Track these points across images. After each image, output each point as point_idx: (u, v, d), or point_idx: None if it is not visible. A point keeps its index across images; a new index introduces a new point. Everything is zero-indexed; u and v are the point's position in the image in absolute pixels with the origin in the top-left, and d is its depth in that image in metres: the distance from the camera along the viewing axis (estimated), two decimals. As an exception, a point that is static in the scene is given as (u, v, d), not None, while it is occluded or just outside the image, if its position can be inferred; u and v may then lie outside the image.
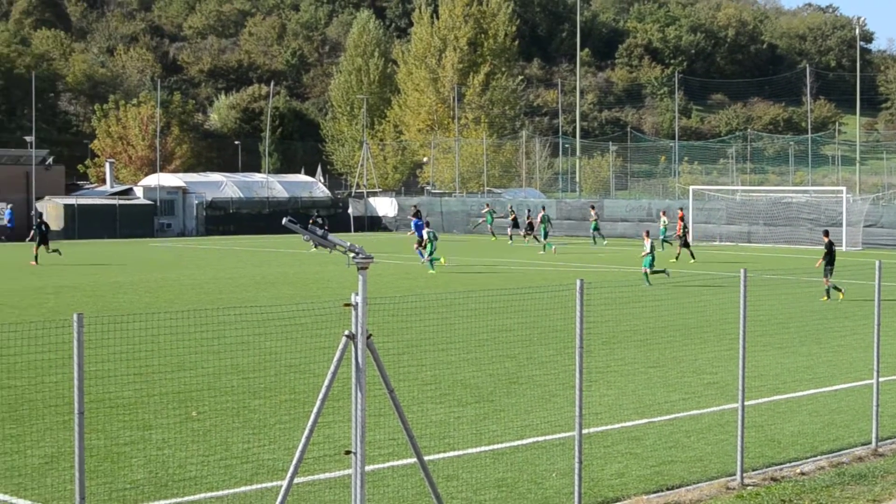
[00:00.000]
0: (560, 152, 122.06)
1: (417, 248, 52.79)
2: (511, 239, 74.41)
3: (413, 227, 53.73)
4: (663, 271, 42.60)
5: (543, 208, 71.65)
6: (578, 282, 13.17)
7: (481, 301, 31.14)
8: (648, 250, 41.72)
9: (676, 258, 55.13)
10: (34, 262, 54.43)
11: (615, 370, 22.28)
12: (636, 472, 14.75)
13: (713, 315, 30.56)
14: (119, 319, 26.77)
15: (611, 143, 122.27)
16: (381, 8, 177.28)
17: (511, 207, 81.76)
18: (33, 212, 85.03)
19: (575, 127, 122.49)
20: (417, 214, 56.63)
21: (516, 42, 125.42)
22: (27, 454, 15.23)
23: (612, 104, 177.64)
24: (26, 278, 46.23)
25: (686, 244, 56.92)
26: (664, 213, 67.10)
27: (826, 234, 39.54)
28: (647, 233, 43.82)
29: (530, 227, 70.23)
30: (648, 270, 41.29)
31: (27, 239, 64.65)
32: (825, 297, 36.37)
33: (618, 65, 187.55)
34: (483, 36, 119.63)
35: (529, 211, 77.12)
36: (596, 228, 71.83)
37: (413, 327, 24.70)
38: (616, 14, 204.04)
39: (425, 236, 50.80)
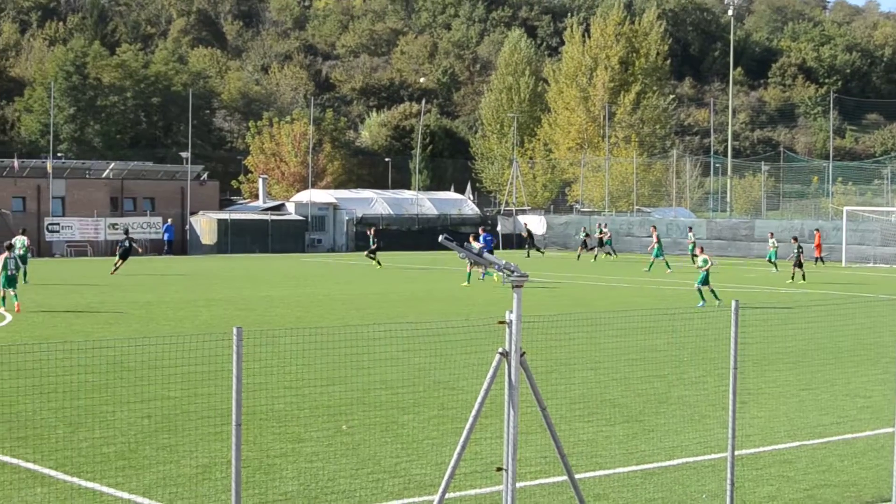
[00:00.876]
0: (711, 172, 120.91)
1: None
2: (594, 258, 76.98)
3: (483, 242, 53.96)
4: (714, 294, 41.32)
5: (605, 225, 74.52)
6: (734, 302, 13.04)
7: (629, 321, 30.96)
8: (703, 265, 41.01)
9: (803, 278, 54.84)
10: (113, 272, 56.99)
11: (766, 392, 21.97)
12: (788, 496, 14.52)
13: (867, 338, 29.98)
14: (271, 333, 27.16)
15: (763, 162, 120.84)
16: (533, 27, 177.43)
17: (584, 228, 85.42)
18: (187, 226, 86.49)
19: (726, 146, 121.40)
20: (487, 230, 57.18)
21: (668, 61, 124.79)
22: (181, 464, 15.48)
23: (764, 123, 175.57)
24: (179, 291, 47.07)
25: (799, 265, 56.52)
26: (772, 236, 66.38)
27: None
28: (702, 249, 43.35)
29: (600, 242, 75.03)
30: (702, 288, 40.65)
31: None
32: None
33: (770, 84, 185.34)
34: (635, 55, 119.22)
35: (602, 226, 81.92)
36: (658, 254, 66.85)
37: (562, 346, 24.64)
38: (769, 33, 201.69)
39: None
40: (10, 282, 38.58)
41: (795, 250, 57.28)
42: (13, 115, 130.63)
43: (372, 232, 69.30)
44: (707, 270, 40.85)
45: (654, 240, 65.44)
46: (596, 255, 76.99)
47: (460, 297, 44.73)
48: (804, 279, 54.73)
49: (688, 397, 21.21)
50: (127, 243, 60.49)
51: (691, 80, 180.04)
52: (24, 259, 52.77)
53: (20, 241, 53.90)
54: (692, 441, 17.32)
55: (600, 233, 79.17)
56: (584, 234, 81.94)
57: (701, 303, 40.55)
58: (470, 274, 51.60)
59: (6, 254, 39.45)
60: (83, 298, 42.95)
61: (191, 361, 20.82)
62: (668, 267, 62.66)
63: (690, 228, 79.45)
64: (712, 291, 40.68)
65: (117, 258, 59.61)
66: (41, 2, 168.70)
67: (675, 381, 23.03)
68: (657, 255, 64.30)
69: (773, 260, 62.60)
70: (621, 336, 27.49)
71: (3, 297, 38.61)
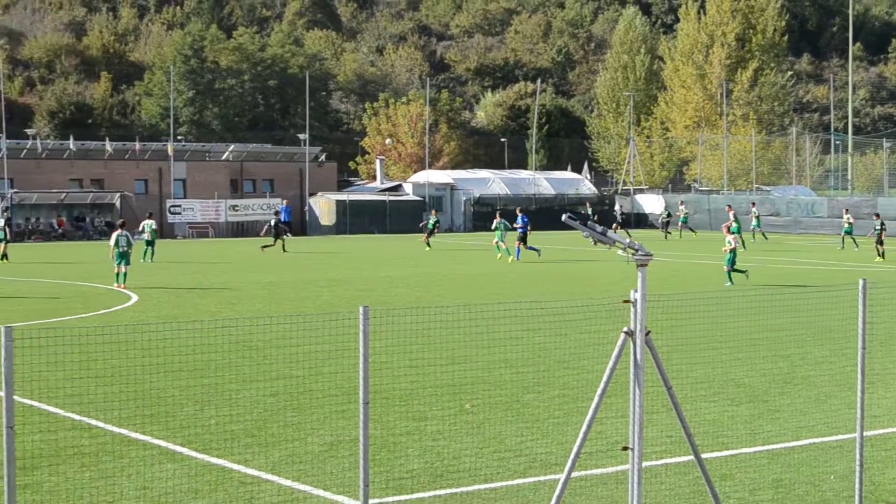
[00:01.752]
0: (831, 149, 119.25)
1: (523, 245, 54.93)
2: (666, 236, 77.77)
3: (520, 223, 54.96)
4: (744, 272, 40.81)
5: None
6: (861, 281, 12.87)
7: (753, 300, 30.66)
8: (732, 246, 40.41)
9: (882, 256, 54.95)
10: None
11: (894, 372, 21.64)
12: (918, 477, 14.32)
13: None
14: (392, 313, 27.32)
15: (885, 139, 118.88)
16: (647, 4, 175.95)
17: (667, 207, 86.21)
18: (306, 207, 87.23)
19: (846, 123, 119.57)
20: (524, 211, 57.50)
21: (785, 37, 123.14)
22: (307, 441, 15.63)
23: (885, 100, 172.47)
24: (300, 271, 47.53)
25: (880, 241, 56.20)
26: (847, 211, 66.06)
27: None
28: (728, 228, 42.75)
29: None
30: (729, 269, 40.07)
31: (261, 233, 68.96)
32: None
33: (891, 59, 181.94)
34: (751, 31, 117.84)
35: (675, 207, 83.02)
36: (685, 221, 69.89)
37: (684, 325, 24.46)
38: (889, 7, 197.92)
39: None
40: (123, 258, 40.17)
41: (878, 227, 56.68)
42: (134, 99, 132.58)
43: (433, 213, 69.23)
44: (733, 251, 40.41)
45: (731, 219, 65.00)
46: (672, 233, 78.42)
47: (581, 276, 44.62)
48: (883, 257, 54.41)
49: (813, 377, 20.97)
50: (273, 222, 63.29)
51: (809, 56, 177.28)
52: (151, 242, 54.08)
53: (148, 224, 55.21)
54: (818, 422, 17.13)
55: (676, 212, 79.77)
56: (666, 213, 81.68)
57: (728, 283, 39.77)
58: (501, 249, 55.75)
59: (118, 231, 40.79)
60: (206, 279, 43.56)
61: (314, 340, 21.01)
62: (744, 247, 62.24)
63: (753, 204, 78.58)
64: (730, 272, 40.20)
65: (271, 238, 62.21)
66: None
67: (798, 361, 22.77)
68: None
69: (851, 234, 62.63)
70: (743, 315, 27.24)
71: (118, 274, 39.73)
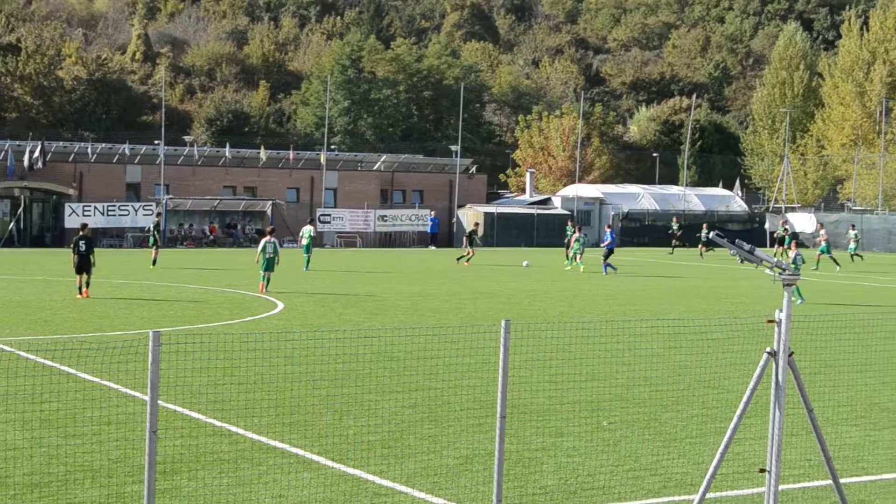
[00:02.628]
0: None
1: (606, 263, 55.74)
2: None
3: (608, 238, 55.52)
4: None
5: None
6: None
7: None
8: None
9: None
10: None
11: None
12: None
13: None
14: (534, 327, 27.31)
15: None
16: (809, 20, 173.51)
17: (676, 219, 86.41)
18: (454, 219, 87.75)
19: None
20: (611, 227, 58.62)
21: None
22: (443, 454, 15.67)
23: None
24: (445, 283, 47.73)
25: None
26: (853, 228, 64.22)
27: None
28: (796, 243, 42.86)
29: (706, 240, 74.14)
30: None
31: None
32: None
33: None
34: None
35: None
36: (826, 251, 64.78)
37: (829, 347, 24.11)
38: None
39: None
40: (269, 265, 41.36)
41: None
42: (290, 108, 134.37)
43: (476, 226, 69.27)
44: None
45: (824, 236, 64.06)
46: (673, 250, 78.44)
47: (725, 294, 44.15)
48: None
49: (961, 404, 20.52)
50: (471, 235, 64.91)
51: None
52: (308, 248, 54.89)
53: (308, 230, 55.99)
54: (965, 449, 16.77)
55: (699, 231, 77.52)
56: (676, 226, 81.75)
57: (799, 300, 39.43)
58: (570, 260, 59.31)
59: (266, 237, 41.77)
60: (352, 288, 43.93)
61: (455, 353, 21.11)
62: (838, 264, 61.44)
63: (853, 226, 76.50)
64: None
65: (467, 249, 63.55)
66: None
67: (948, 387, 22.30)
68: (824, 252, 62.36)
69: (855, 252, 60.66)
70: (891, 338, 26.74)
71: (266, 279, 40.60)
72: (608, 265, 55.01)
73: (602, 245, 56.43)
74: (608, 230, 57.52)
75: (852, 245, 71.07)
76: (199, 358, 20.50)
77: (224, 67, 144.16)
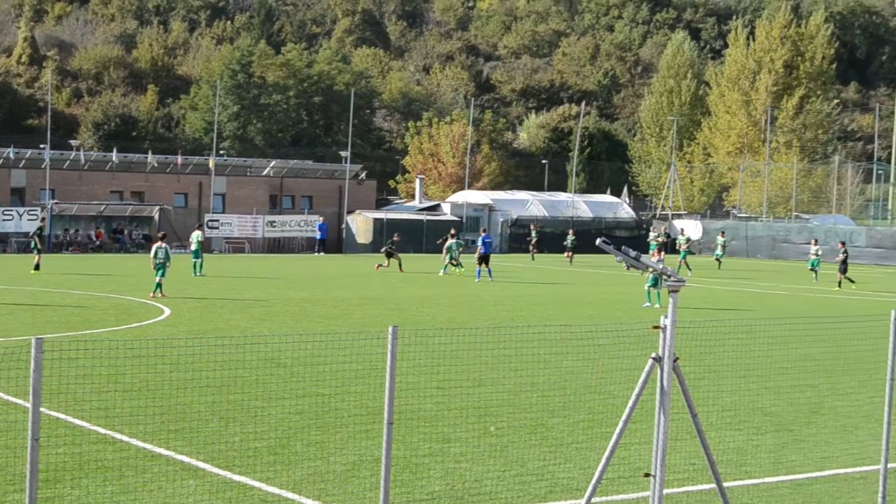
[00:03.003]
0: (873, 179, 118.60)
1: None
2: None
3: (481, 243, 56.08)
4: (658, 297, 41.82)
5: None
6: (893, 312, 12.83)
7: (783, 328, 30.53)
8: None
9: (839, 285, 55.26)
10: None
11: (923, 405, 21.50)
12: (941, 513, 14.22)
13: None
14: (422, 333, 27.31)
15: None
16: (697, 29, 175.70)
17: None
18: (343, 225, 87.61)
19: (890, 153, 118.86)
20: (485, 231, 58.99)
21: (833, 65, 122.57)
22: (330, 461, 15.64)
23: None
24: (333, 289, 47.63)
25: (844, 270, 56.53)
26: (722, 234, 65.42)
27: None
28: (660, 250, 44.26)
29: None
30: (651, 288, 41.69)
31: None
32: None
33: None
34: (800, 58, 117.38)
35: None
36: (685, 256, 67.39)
37: (713, 352, 24.42)
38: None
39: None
40: (161, 269, 42.11)
41: (842, 254, 56.62)
42: (179, 113, 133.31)
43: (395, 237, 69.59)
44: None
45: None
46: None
47: (612, 301, 44.53)
48: (853, 282, 55.33)
49: (840, 408, 20.86)
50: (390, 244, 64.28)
51: (857, 84, 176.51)
52: (197, 253, 54.53)
53: (196, 235, 55.60)
54: (843, 452, 17.06)
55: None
56: (534, 233, 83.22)
57: (646, 303, 41.55)
58: (444, 267, 60.23)
59: (158, 243, 42.31)
60: (238, 295, 43.66)
61: (343, 359, 21.06)
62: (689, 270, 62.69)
63: (723, 233, 77.70)
64: (658, 294, 41.65)
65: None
66: (210, 1, 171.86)
67: (826, 392, 22.66)
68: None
69: (814, 268, 60.62)
70: (774, 344, 27.14)
71: (159, 284, 41.55)
72: (480, 271, 54.98)
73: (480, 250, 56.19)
74: (482, 234, 57.40)
75: (718, 251, 72.22)
76: (83, 365, 20.22)
77: (112, 71, 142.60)
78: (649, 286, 41.65)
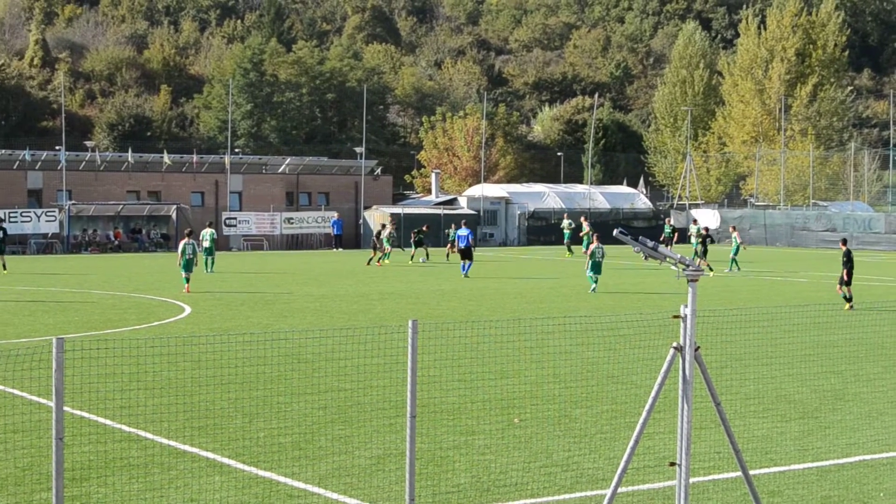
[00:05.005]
0: (890, 164, 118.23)
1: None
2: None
3: (456, 236, 55.31)
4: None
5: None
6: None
7: (806, 315, 30.46)
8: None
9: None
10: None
11: (948, 390, 21.45)
12: (969, 496, 14.15)
13: None
14: (443, 326, 27.31)
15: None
16: (707, 19, 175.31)
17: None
18: (360, 220, 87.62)
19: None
20: (465, 223, 56.77)
21: (846, 52, 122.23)
22: (355, 455, 15.64)
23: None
24: (353, 284, 47.63)
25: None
26: (734, 229, 62.21)
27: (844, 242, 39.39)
28: (597, 237, 45.43)
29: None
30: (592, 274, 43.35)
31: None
32: None
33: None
34: (812, 46, 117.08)
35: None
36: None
37: (736, 341, 24.37)
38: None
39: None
40: (188, 265, 43.11)
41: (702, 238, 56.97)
42: (192, 112, 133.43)
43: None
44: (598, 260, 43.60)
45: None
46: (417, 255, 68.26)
47: (633, 291, 44.45)
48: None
49: (864, 394, 20.79)
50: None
51: (870, 71, 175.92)
52: (210, 251, 54.64)
53: (208, 233, 55.68)
54: (869, 438, 16.99)
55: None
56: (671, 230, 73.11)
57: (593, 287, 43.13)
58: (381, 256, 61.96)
59: (185, 240, 42.90)
60: (259, 292, 43.70)
61: (365, 354, 21.05)
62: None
63: (734, 227, 73.28)
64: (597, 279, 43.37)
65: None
66: (220, 0, 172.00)
67: (851, 378, 22.59)
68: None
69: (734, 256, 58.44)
70: (796, 331, 27.06)
71: (188, 279, 42.79)
72: (465, 266, 52.79)
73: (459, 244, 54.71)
74: (461, 227, 55.41)
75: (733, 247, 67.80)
76: (106, 363, 20.27)
77: (124, 72, 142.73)
78: (590, 273, 43.51)
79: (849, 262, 36.75)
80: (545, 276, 53.79)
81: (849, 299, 36.22)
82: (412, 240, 66.50)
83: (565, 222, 76.34)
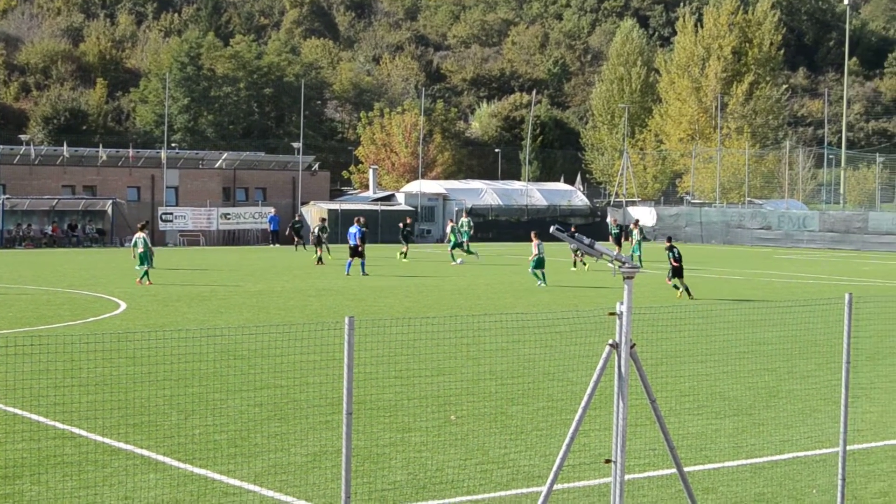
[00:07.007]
0: (824, 163, 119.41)
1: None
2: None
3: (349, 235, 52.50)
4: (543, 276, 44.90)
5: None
6: (847, 296, 12.89)
7: (740, 313, 30.67)
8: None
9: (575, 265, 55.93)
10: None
11: (879, 387, 21.65)
12: (901, 493, 14.31)
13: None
14: (380, 323, 27.30)
15: (878, 154, 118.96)
16: (645, 17, 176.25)
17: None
18: (298, 216, 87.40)
19: (840, 137, 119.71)
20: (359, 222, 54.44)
21: (781, 51, 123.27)
22: (291, 452, 15.61)
23: (879, 114, 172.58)
24: (289, 280, 47.49)
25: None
26: (637, 224, 61.83)
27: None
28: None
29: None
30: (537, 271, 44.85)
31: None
32: None
33: (887, 74, 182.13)
34: (748, 45, 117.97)
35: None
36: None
37: (671, 338, 24.51)
38: (886, 23, 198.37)
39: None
40: (143, 259, 43.80)
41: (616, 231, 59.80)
42: (129, 106, 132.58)
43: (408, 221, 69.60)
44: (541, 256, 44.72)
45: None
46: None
47: (569, 288, 44.59)
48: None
49: (798, 391, 20.97)
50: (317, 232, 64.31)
51: (805, 70, 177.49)
52: (144, 258, 54.21)
53: (141, 239, 55.10)
54: (802, 435, 17.14)
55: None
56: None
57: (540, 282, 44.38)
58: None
59: (139, 233, 43.12)
60: (195, 288, 43.47)
61: (301, 350, 20.99)
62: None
63: (637, 222, 70.27)
64: (543, 274, 44.77)
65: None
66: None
67: (785, 375, 22.78)
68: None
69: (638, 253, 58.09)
70: (731, 329, 27.26)
71: (146, 273, 43.50)
72: (351, 263, 50.84)
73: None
74: (355, 225, 53.56)
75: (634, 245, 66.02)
76: (39, 360, 20.10)
77: (60, 65, 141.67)
78: (533, 269, 44.66)
79: (677, 257, 38.85)
80: (482, 274, 53.83)
81: (678, 287, 39.19)
82: (401, 235, 66.29)
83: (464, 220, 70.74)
